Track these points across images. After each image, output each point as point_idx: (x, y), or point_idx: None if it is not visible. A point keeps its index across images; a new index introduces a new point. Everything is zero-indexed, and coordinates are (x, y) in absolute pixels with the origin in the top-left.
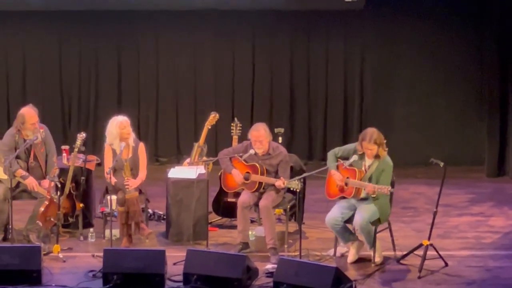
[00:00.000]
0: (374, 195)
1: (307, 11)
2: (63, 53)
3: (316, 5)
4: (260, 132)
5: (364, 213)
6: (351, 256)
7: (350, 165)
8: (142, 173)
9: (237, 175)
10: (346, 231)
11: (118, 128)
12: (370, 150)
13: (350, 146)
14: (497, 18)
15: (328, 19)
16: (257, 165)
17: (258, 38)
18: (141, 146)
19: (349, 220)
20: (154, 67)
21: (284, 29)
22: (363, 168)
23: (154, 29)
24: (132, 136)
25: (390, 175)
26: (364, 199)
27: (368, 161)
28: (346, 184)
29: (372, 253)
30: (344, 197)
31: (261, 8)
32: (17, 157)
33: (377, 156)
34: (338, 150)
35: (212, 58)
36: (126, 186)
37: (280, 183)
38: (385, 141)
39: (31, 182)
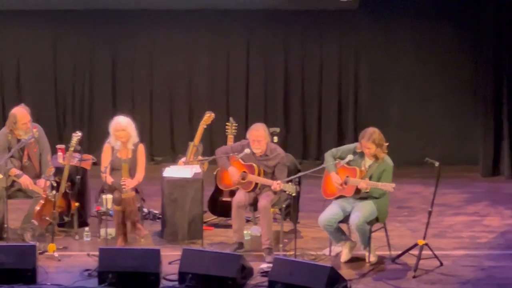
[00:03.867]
0: (368, 191)
1: (301, 11)
2: (57, 53)
3: (310, 5)
4: (259, 132)
5: (361, 213)
6: (344, 256)
7: (349, 164)
8: (140, 174)
9: (234, 173)
10: (338, 232)
11: (112, 129)
12: (368, 149)
13: (349, 147)
14: (492, 19)
15: (323, 19)
16: (255, 165)
17: (252, 37)
18: (141, 147)
19: (343, 220)
20: (149, 66)
21: (278, 28)
22: (362, 168)
23: (149, 29)
24: (132, 138)
25: (391, 175)
26: (363, 198)
27: (368, 161)
28: (345, 183)
29: (366, 253)
30: (341, 196)
31: (256, 7)
32: (11, 156)
33: (376, 157)
34: (337, 151)
35: (207, 57)
36: (123, 186)
37: (276, 186)
38: (386, 144)
39: (25, 180)
